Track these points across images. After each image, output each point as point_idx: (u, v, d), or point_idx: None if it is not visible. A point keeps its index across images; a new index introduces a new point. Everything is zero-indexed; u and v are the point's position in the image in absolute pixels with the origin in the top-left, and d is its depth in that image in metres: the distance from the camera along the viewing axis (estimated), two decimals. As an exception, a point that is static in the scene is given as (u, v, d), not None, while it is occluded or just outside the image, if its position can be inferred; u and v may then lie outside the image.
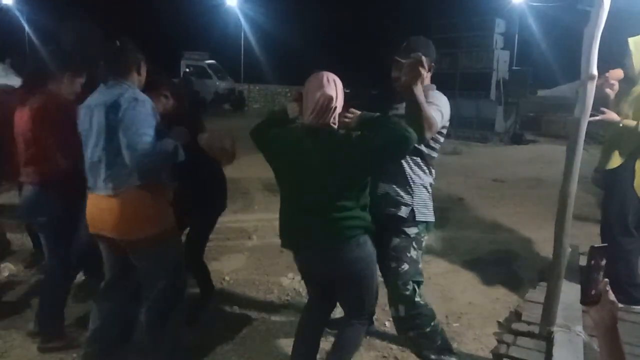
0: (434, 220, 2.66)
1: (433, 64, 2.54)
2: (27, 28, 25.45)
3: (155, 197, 2.45)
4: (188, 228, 3.29)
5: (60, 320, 3.01)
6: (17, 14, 26.01)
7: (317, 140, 2.18)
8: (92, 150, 2.42)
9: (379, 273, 2.51)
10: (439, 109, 2.45)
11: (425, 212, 2.59)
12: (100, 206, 2.42)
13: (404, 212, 2.53)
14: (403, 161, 2.52)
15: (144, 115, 2.33)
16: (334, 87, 2.19)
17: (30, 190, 2.87)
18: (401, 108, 2.46)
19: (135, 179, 2.36)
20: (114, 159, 2.35)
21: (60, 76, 2.87)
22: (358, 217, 2.21)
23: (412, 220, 2.55)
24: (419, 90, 2.23)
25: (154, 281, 2.54)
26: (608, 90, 3.30)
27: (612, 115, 3.26)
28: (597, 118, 3.18)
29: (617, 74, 3.34)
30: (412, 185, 2.55)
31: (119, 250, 2.51)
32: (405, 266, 2.53)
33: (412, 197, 2.55)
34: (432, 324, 2.61)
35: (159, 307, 2.57)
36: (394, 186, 2.54)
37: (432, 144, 2.56)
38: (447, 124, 2.56)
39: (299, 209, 2.26)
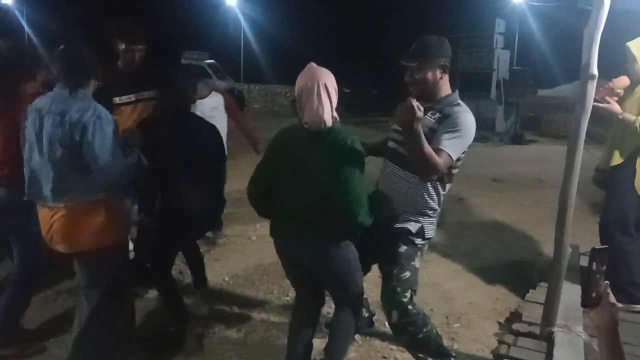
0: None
1: (448, 64, 2.43)
2: (27, 28, 25.43)
3: (107, 211, 2.42)
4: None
5: (16, 327, 2.96)
6: (17, 14, 26.00)
7: (316, 142, 2.25)
8: (37, 158, 2.35)
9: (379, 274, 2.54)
10: (458, 135, 2.30)
11: (432, 229, 2.59)
12: (47, 218, 2.38)
13: (413, 227, 2.51)
14: (423, 187, 2.46)
15: (109, 133, 2.33)
16: (326, 74, 2.26)
17: (3, 191, 2.75)
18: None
19: (79, 191, 2.34)
20: (64, 173, 2.32)
21: (29, 77, 2.83)
22: (346, 225, 2.32)
23: (421, 234, 2.53)
24: (417, 132, 2.11)
25: (88, 295, 2.52)
26: (614, 99, 3.29)
27: (615, 107, 3.25)
28: (600, 105, 3.17)
29: (623, 82, 3.34)
30: (427, 210, 2.51)
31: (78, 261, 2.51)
32: (407, 274, 2.51)
33: (424, 218, 2.53)
34: (425, 330, 2.58)
35: (88, 325, 2.52)
36: (408, 207, 2.50)
37: (452, 171, 2.48)
38: (470, 141, 2.41)
39: (292, 203, 2.33)
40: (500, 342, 3.07)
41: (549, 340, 2.88)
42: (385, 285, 2.58)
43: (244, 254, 4.57)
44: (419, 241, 2.53)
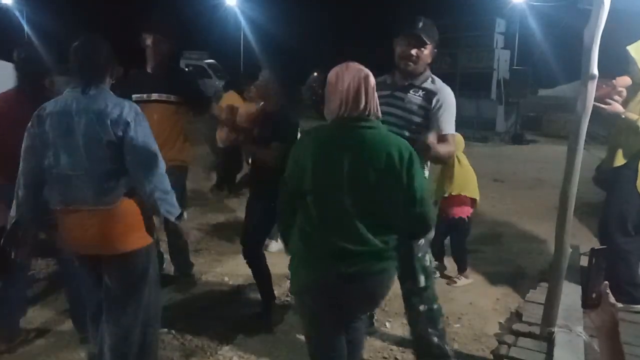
0: None
1: (435, 50, 2.66)
2: (27, 28, 25.44)
3: (140, 208, 2.31)
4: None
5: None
6: (17, 14, 26.00)
7: (357, 137, 1.89)
8: (68, 161, 2.20)
9: None
10: (451, 112, 2.60)
11: None
12: (85, 222, 2.23)
13: None
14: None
15: (149, 130, 2.27)
16: (366, 70, 1.98)
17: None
18: (403, 96, 2.59)
19: (122, 190, 2.24)
20: (108, 172, 2.21)
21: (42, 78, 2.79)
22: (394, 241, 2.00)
23: None
24: (435, 152, 2.39)
25: (124, 303, 2.36)
26: (616, 98, 3.29)
27: (617, 107, 3.24)
28: (602, 105, 3.18)
29: (625, 81, 3.33)
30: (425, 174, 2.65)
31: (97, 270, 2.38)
32: (422, 240, 2.60)
33: None
34: (438, 302, 2.72)
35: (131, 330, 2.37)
36: None
37: None
38: None
39: (337, 222, 1.91)
40: (500, 342, 3.07)
41: (549, 340, 2.88)
42: (406, 256, 2.55)
43: (244, 254, 4.56)
44: None
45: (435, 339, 2.68)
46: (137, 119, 2.22)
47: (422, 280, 2.62)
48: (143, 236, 2.34)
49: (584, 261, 4.01)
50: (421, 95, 2.59)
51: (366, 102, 1.91)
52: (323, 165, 1.90)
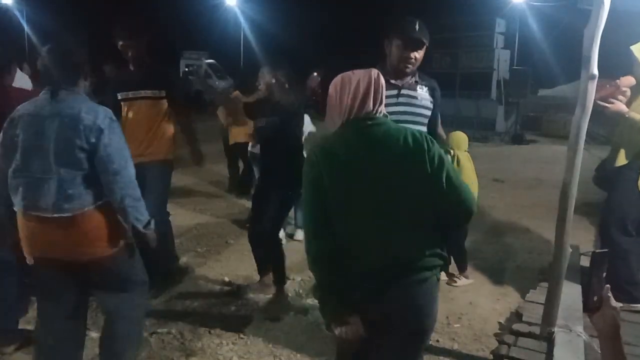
0: None
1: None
2: (27, 28, 25.45)
3: (112, 213, 2.28)
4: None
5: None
6: (17, 14, 26.00)
7: (382, 133, 1.79)
8: (38, 165, 2.15)
9: None
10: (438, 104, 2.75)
11: None
12: (52, 228, 2.18)
13: None
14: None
15: (122, 137, 2.25)
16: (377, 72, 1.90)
17: None
18: (414, 94, 2.66)
19: (88, 197, 2.20)
20: (73, 178, 2.16)
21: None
22: (437, 244, 1.83)
23: None
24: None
25: (117, 304, 2.40)
26: (620, 97, 3.29)
27: (620, 106, 3.24)
28: (606, 105, 3.18)
29: (629, 81, 3.33)
30: None
31: (71, 274, 2.32)
32: None
33: None
34: None
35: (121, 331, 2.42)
36: None
37: None
38: None
39: (377, 227, 1.76)
40: (500, 342, 3.07)
41: (549, 340, 2.88)
42: None
43: (244, 254, 4.56)
44: None
45: None
46: (111, 126, 2.20)
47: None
48: (110, 243, 2.27)
49: (584, 261, 4.01)
50: (427, 90, 2.71)
51: (375, 101, 1.83)
52: (343, 175, 1.76)
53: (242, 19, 26.54)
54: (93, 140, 2.14)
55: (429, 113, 2.70)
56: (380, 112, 1.85)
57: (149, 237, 2.36)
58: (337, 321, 1.77)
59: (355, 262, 1.76)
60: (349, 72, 1.89)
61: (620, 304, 3.22)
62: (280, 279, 3.59)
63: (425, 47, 2.64)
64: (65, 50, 2.25)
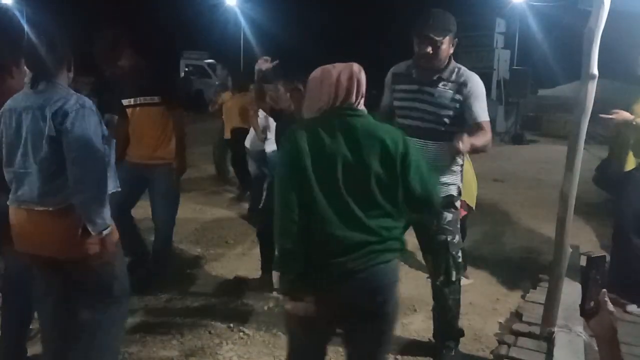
0: None
1: (456, 39, 2.64)
2: (27, 28, 25.41)
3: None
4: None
5: None
6: (17, 14, 26.01)
7: (357, 123, 1.86)
8: (20, 159, 2.09)
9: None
10: (483, 99, 2.61)
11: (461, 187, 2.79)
12: (34, 222, 2.11)
13: (455, 190, 2.72)
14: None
15: (94, 125, 2.07)
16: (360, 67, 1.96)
17: None
18: (432, 91, 2.60)
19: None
20: (52, 172, 2.06)
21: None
22: (399, 229, 1.93)
23: (460, 193, 2.76)
24: (472, 147, 2.40)
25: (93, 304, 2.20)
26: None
27: (624, 115, 3.27)
28: (609, 117, 3.21)
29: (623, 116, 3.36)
30: (457, 167, 2.71)
31: (52, 271, 2.19)
32: (457, 237, 2.73)
33: (457, 176, 2.73)
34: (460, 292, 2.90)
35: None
36: (447, 174, 2.67)
37: None
38: None
39: (339, 218, 1.82)
40: (500, 342, 3.07)
41: (549, 340, 2.88)
42: (435, 255, 2.76)
43: (244, 254, 4.57)
44: (458, 202, 2.76)
45: (456, 323, 2.93)
46: (81, 112, 2.03)
47: (454, 275, 2.76)
48: (85, 246, 2.12)
49: (584, 261, 4.02)
50: (451, 87, 2.59)
51: (357, 93, 1.90)
52: (320, 157, 1.82)
53: (242, 19, 26.52)
54: (59, 126, 2.02)
55: (449, 112, 2.59)
56: (360, 105, 1.92)
57: (105, 244, 2.12)
58: (291, 295, 1.86)
59: (320, 245, 1.83)
60: (329, 66, 1.94)
61: (636, 306, 3.25)
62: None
63: (444, 39, 2.54)
64: (48, 41, 2.12)
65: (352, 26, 27.49)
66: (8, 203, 2.19)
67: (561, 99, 16.04)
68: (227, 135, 6.57)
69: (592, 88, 2.68)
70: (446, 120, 2.60)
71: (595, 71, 2.65)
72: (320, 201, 1.81)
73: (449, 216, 2.67)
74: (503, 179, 8.30)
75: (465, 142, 2.33)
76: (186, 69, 21.56)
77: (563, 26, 13.58)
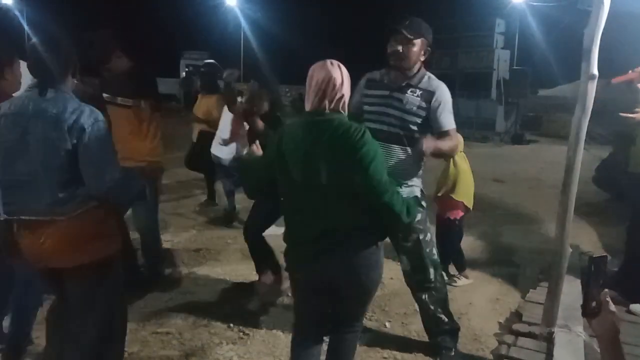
0: None
1: (429, 48, 2.68)
2: (27, 28, 25.45)
3: (103, 219, 2.19)
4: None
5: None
6: (17, 14, 26.01)
7: (321, 126, 2.02)
8: (23, 166, 2.05)
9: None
10: (449, 108, 2.67)
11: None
12: (39, 233, 2.08)
13: (419, 192, 2.76)
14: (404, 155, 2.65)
15: (107, 137, 2.13)
16: (338, 70, 2.07)
17: None
18: (401, 97, 2.63)
19: (79, 201, 2.09)
20: (64, 180, 2.06)
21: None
22: (362, 222, 2.08)
23: (424, 194, 2.82)
24: (435, 149, 2.49)
25: (85, 315, 2.21)
26: None
27: None
28: (631, 116, 3.20)
29: None
30: (419, 172, 2.78)
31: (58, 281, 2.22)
32: (429, 235, 2.79)
33: (419, 179, 2.78)
34: (445, 287, 2.94)
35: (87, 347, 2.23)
36: (410, 177, 2.72)
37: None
38: None
39: (311, 210, 2.06)
40: (500, 342, 3.07)
41: (549, 340, 2.88)
42: (409, 255, 2.80)
43: (243, 254, 4.56)
44: (424, 202, 2.79)
45: (445, 318, 2.90)
46: (95, 126, 2.07)
47: (431, 273, 2.79)
48: (103, 246, 2.18)
49: (584, 261, 4.02)
50: (419, 95, 2.63)
51: (331, 100, 2.02)
52: (291, 155, 2.05)
53: (242, 19, 26.56)
54: (75, 141, 2.04)
55: (417, 120, 2.61)
56: (332, 108, 2.04)
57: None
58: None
59: (291, 233, 2.15)
60: (319, 64, 2.08)
61: None
62: (274, 267, 3.71)
63: (416, 41, 2.58)
64: (55, 46, 2.12)
65: (352, 26, 27.49)
66: (2, 213, 2.11)
67: (561, 99, 16.05)
68: (194, 138, 6.09)
69: (592, 88, 2.69)
70: (412, 126, 2.62)
71: (595, 71, 2.65)
72: (289, 195, 2.12)
73: (417, 215, 2.67)
74: (503, 179, 8.31)
75: (429, 144, 2.43)
76: (187, 69, 21.57)
77: (563, 26, 13.59)
